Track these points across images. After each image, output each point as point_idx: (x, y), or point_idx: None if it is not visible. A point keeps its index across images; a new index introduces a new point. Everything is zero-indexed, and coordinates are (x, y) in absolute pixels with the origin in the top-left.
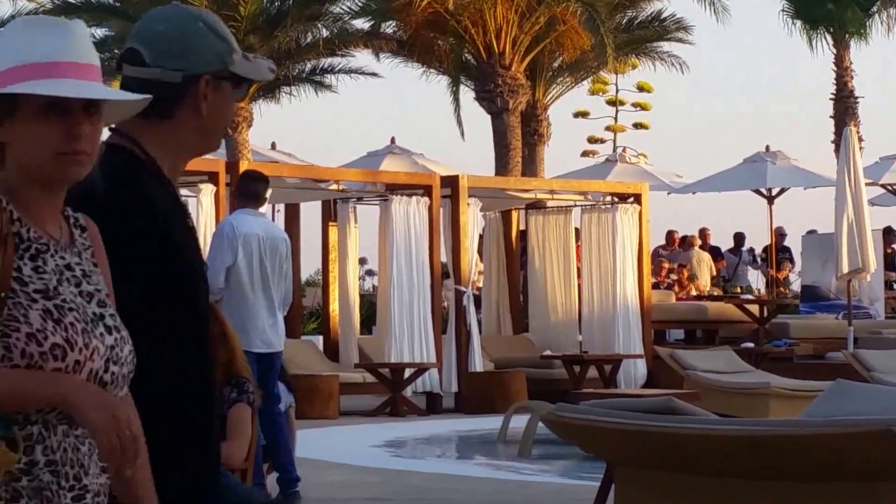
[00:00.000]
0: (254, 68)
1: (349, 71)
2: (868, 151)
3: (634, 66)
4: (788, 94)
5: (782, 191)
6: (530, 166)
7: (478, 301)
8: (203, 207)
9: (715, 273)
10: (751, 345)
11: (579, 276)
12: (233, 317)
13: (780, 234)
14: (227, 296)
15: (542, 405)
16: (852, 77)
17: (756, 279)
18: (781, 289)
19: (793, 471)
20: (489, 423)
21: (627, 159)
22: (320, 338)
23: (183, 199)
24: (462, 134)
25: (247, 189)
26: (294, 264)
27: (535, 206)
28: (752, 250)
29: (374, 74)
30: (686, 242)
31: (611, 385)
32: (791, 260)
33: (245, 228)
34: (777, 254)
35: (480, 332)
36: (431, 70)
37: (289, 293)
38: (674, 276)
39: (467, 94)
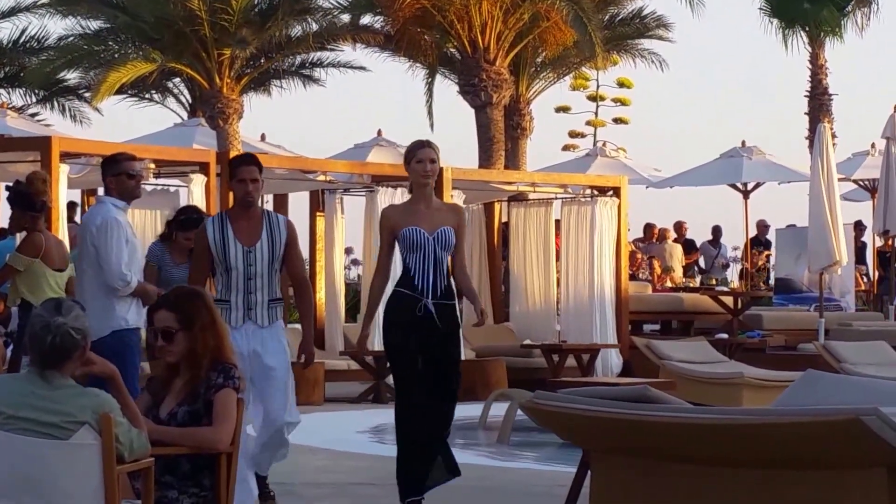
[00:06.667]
0: None
1: (337, 65)
2: (841, 147)
3: (616, 63)
4: (764, 90)
5: (757, 185)
6: (513, 159)
7: (459, 291)
8: (193, 197)
9: (684, 265)
10: (725, 336)
11: (559, 267)
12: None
13: (763, 226)
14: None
15: (522, 393)
16: (827, 75)
17: (732, 272)
18: (761, 283)
19: (764, 459)
20: (470, 411)
21: (607, 153)
22: None
23: (173, 188)
24: (431, 126)
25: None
26: None
27: (517, 198)
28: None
29: (361, 68)
30: (660, 235)
31: (588, 374)
32: (770, 250)
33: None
34: (756, 246)
35: (462, 321)
36: (417, 64)
37: (109, 279)
38: (647, 268)
39: (448, 87)
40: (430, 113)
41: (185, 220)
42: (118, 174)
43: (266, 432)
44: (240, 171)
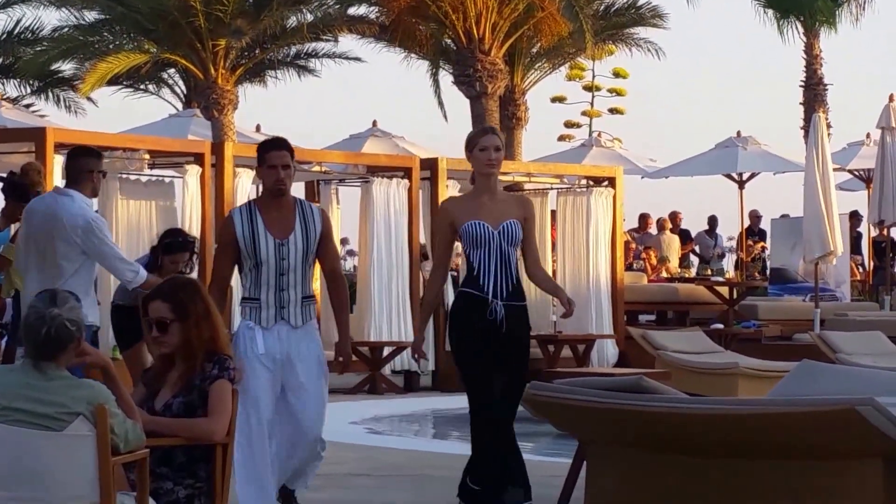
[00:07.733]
0: None
1: (332, 55)
2: (836, 137)
3: (612, 53)
4: (759, 80)
5: (752, 175)
6: (508, 150)
7: (455, 282)
8: (189, 188)
9: (679, 256)
10: (720, 326)
11: (554, 258)
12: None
13: (755, 217)
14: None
15: None
16: (821, 65)
17: (727, 262)
18: (755, 273)
19: (759, 449)
20: (465, 402)
21: (603, 144)
22: None
23: (168, 179)
24: (445, 115)
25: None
26: None
27: (513, 188)
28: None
29: (356, 59)
30: (657, 225)
31: (584, 364)
32: (763, 240)
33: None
34: (750, 236)
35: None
36: (413, 55)
37: (121, 273)
38: (642, 257)
39: (446, 78)
40: (440, 104)
41: (170, 244)
42: (99, 171)
43: (299, 448)
44: (269, 156)
